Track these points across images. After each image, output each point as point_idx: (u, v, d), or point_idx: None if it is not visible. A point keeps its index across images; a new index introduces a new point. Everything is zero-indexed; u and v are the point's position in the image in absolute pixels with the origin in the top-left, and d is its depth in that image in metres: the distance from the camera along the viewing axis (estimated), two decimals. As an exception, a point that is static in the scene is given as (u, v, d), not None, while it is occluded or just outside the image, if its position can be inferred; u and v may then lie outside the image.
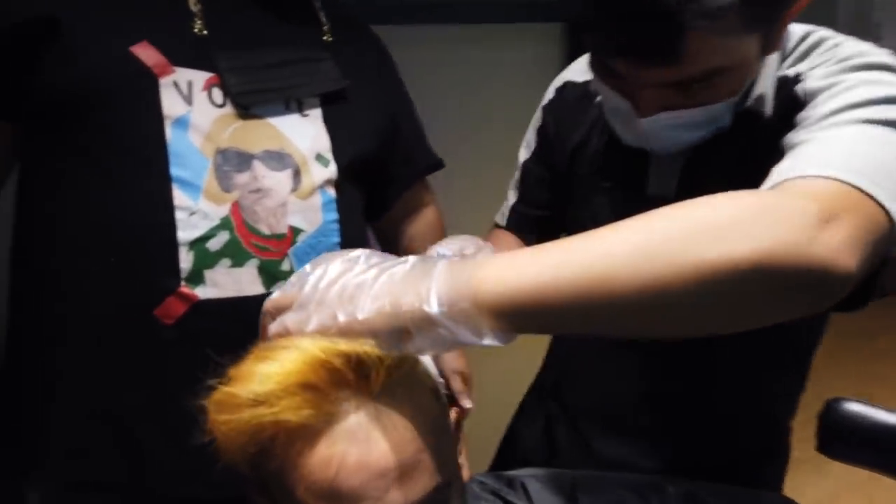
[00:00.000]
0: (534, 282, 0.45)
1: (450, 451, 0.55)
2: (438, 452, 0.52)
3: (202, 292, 0.83)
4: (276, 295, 0.53)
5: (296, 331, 0.48)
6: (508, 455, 1.04)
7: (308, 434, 0.48)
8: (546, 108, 0.99)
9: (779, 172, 0.56)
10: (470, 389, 1.19)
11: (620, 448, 0.87)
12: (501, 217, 1.06)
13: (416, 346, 0.48)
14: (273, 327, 0.50)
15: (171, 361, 0.83)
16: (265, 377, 0.47)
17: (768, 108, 0.74)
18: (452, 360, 1.18)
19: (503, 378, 1.24)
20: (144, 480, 0.85)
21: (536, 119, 1.00)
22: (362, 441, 0.48)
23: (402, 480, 0.48)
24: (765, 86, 0.74)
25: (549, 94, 0.99)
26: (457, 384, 1.17)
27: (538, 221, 1.03)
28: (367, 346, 0.47)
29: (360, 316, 0.46)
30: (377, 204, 1.11)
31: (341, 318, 0.47)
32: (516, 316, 0.46)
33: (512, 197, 1.05)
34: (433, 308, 0.45)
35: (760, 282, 0.44)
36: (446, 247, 0.77)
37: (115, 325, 0.83)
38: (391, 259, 0.51)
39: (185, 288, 0.82)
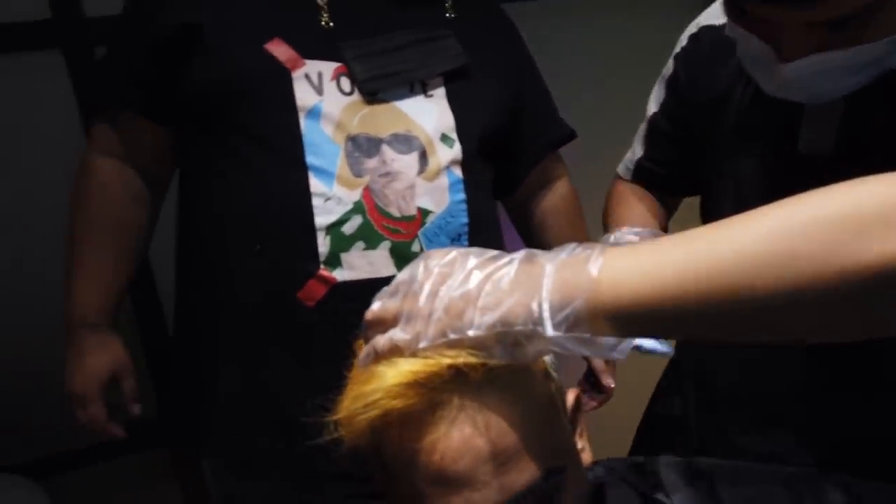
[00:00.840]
0: (658, 290, 0.41)
1: (563, 436, 0.53)
2: (548, 437, 0.50)
3: (339, 275, 0.86)
4: (376, 307, 0.51)
5: (405, 348, 0.47)
6: (646, 441, 0.99)
7: (414, 421, 0.48)
8: (678, 57, 0.88)
9: None
10: (613, 367, 1.14)
11: (770, 442, 0.78)
12: (625, 171, 0.98)
13: (528, 357, 0.46)
14: (381, 343, 0.49)
15: (314, 341, 0.87)
16: (372, 390, 0.48)
17: None
18: None
19: (640, 360, 1.18)
20: (298, 454, 0.91)
21: (667, 69, 0.91)
22: (466, 426, 0.47)
23: (509, 465, 0.47)
24: None
25: (682, 41, 0.88)
26: (598, 363, 1.13)
27: (662, 180, 0.94)
28: (471, 358, 0.46)
29: (471, 333, 0.45)
30: (509, 179, 1.09)
31: (451, 335, 0.46)
32: (637, 326, 0.42)
33: (638, 151, 0.96)
34: (548, 331, 0.42)
35: None
36: None
37: (263, 309, 0.88)
38: (489, 255, 0.48)
39: (324, 271, 0.86)
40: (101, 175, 0.97)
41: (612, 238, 0.85)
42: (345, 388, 0.53)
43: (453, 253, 0.49)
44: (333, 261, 0.86)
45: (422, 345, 0.47)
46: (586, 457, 0.57)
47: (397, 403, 0.46)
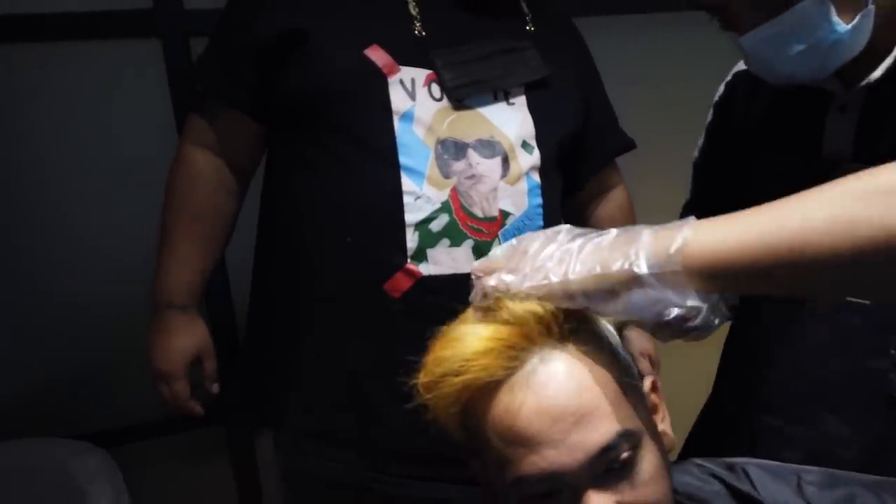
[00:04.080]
0: (738, 245, 0.45)
1: (637, 405, 0.53)
2: (622, 400, 0.50)
3: (425, 269, 0.87)
4: (484, 259, 0.55)
5: (513, 287, 0.50)
6: (701, 441, 0.99)
7: (493, 387, 0.49)
8: (716, 105, 0.94)
9: None
10: (657, 371, 1.15)
11: (819, 435, 0.79)
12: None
13: (623, 306, 0.48)
14: (491, 281, 0.52)
15: (397, 330, 0.88)
16: (454, 356, 0.50)
17: None
18: (640, 341, 1.14)
19: (691, 372, 1.18)
20: (372, 435, 0.92)
21: (708, 118, 0.97)
22: (539, 387, 0.49)
23: (581, 424, 0.48)
24: None
25: (720, 90, 0.94)
26: (644, 365, 1.14)
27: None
28: (549, 307, 0.49)
29: (573, 276, 0.48)
30: (570, 184, 1.09)
31: (554, 278, 0.49)
32: (719, 277, 0.46)
33: (689, 195, 1.04)
34: (642, 269, 0.46)
35: None
36: None
37: (349, 297, 0.89)
38: (591, 232, 0.51)
39: (410, 265, 0.86)
40: (195, 165, 0.97)
41: None
42: (428, 352, 0.55)
43: (559, 227, 0.53)
44: (420, 256, 0.87)
45: (526, 285, 0.50)
46: (668, 441, 0.58)
47: (477, 374, 0.48)
